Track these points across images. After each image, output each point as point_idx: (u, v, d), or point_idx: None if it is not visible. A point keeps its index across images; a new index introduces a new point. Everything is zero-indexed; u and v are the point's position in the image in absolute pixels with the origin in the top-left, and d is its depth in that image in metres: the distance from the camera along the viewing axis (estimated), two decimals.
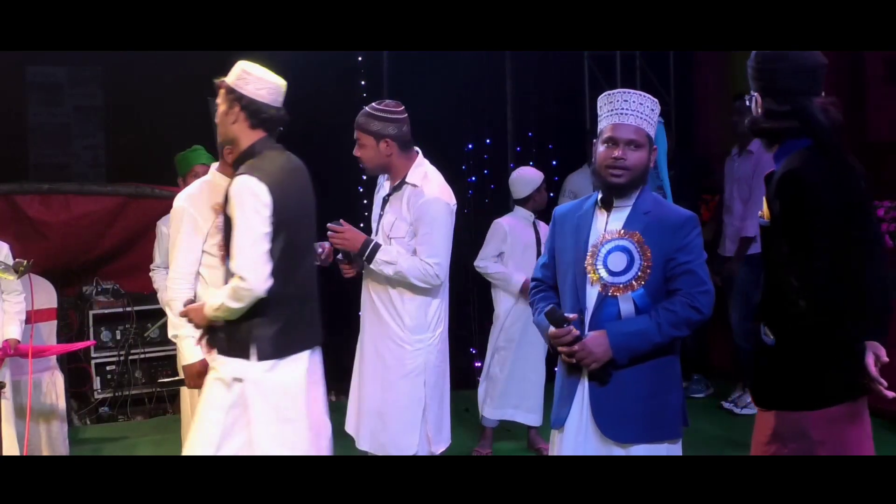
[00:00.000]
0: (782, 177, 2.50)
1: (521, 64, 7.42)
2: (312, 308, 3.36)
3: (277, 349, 3.21)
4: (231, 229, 3.13)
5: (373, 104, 3.90)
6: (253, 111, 3.24)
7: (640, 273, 2.81)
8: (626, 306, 2.83)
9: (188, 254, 3.68)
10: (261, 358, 3.18)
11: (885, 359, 2.48)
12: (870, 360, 2.46)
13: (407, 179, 3.85)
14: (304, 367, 3.28)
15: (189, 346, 3.63)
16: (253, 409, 3.18)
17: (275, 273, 3.11)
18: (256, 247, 3.09)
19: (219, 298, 3.17)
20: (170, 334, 3.75)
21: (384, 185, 4.01)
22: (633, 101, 2.88)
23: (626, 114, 2.87)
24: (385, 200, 3.95)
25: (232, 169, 3.34)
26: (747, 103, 2.69)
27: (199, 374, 3.57)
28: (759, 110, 2.60)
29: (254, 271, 3.08)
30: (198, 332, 3.37)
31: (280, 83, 3.32)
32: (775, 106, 2.55)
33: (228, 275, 3.16)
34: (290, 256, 3.20)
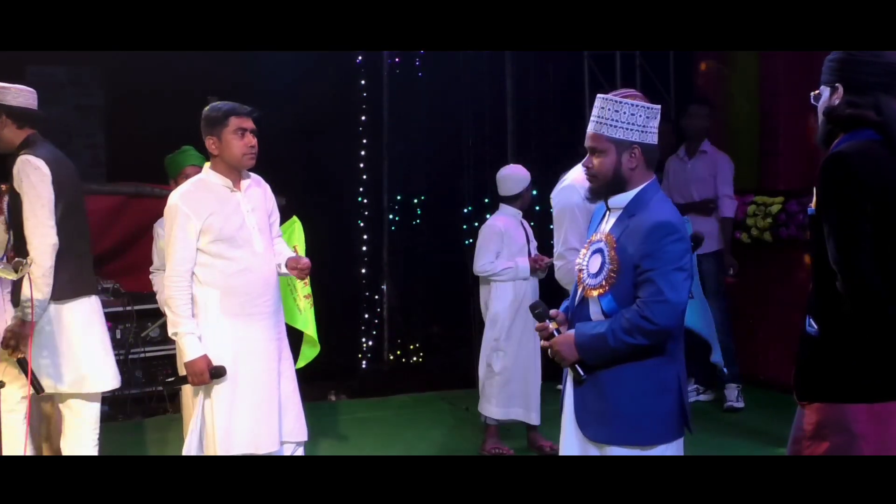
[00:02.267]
0: (828, 157, 2.49)
1: (521, 64, 7.43)
2: (89, 261, 4.23)
3: (72, 292, 4.02)
4: (20, 202, 3.88)
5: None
6: (16, 115, 4.00)
7: (606, 277, 2.79)
8: (595, 308, 2.84)
9: (183, 251, 3.70)
10: (58, 299, 3.95)
11: None
12: None
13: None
14: (92, 307, 4.16)
15: (190, 342, 3.66)
16: (58, 343, 3.99)
17: (59, 231, 3.89)
18: (44, 209, 3.86)
19: (35, 267, 3.84)
20: (170, 332, 3.78)
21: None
22: (596, 107, 2.85)
23: (591, 121, 2.86)
24: None
25: (11, 161, 3.95)
26: (812, 101, 2.68)
27: (202, 371, 3.64)
28: (838, 100, 2.58)
29: (45, 229, 3.85)
30: (198, 330, 3.69)
31: (32, 90, 4.10)
32: (857, 98, 2.54)
33: (18, 242, 3.93)
34: (70, 217, 3.98)
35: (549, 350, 2.90)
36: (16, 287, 3.88)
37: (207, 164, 3.87)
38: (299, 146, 7.31)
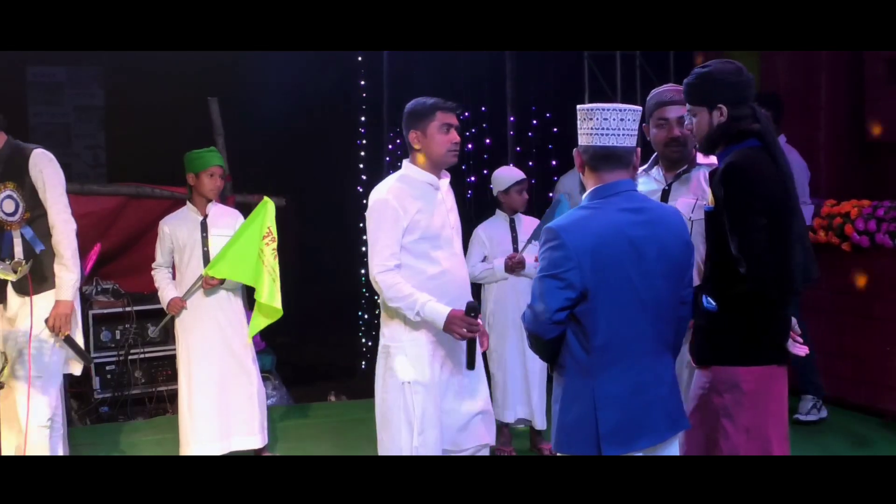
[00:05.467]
0: (728, 168, 2.93)
1: (521, 64, 7.43)
2: None
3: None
4: (40, 190, 4.14)
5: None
6: None
7: None
8: None
9: (393, 245, 3.59)
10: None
11: (798, 329, 3.00)
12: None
13: (700, 161, 3.54)
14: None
15: (434, 309, 3.53)
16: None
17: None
18: (64, 197, 4.17)
19: (67, 250, 4.12)
20: (411, 316, 3.59)
21: (653, 179, 3.63)
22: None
23: None
24: (666, 191, 3.55)
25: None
26: (687, 123, 3.08)
27: (461, 318, 3.50)
28: (724, 118, 2.97)
29: (67, 215, 4.17)
30: (424, 297, 3.56)
31: None
32: (739, 112, 2.95)
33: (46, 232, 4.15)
34: None
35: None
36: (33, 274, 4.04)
37: (406, 161, 3.75)
38: (299, 146, 7.32)
